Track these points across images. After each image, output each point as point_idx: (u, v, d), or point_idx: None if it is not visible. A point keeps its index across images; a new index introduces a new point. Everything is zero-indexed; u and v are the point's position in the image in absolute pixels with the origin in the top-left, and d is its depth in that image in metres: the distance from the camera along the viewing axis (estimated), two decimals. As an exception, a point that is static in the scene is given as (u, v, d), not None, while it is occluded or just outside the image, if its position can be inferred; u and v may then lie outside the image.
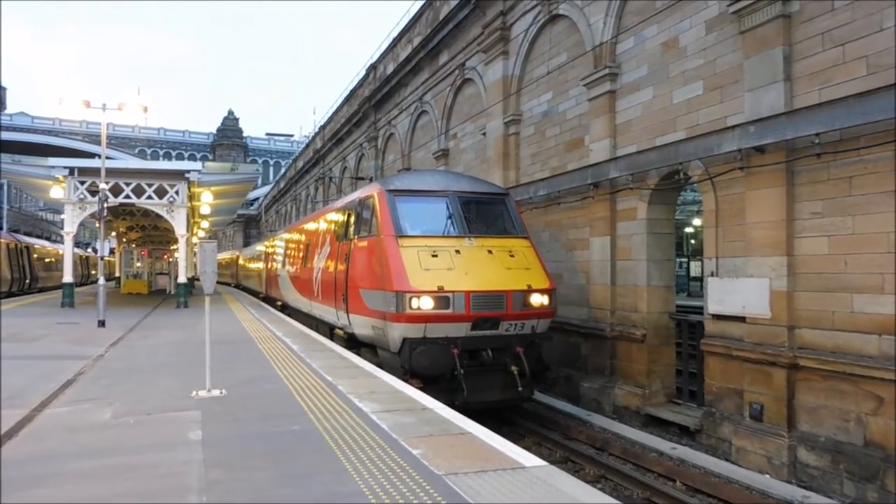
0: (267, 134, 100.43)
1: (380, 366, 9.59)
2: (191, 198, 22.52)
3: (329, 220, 14.16)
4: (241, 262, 43.07)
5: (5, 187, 54.51)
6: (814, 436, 7.82)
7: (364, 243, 10.80)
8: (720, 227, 9.30)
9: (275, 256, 24.16)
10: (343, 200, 13.87)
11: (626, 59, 11.36)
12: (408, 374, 9.07)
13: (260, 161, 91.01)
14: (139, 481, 4.39)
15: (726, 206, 9.18)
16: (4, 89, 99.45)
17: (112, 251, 42.97)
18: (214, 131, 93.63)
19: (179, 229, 21.25)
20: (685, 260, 34.62)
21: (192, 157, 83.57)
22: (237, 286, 43.52)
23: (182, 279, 22.28)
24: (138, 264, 38.42)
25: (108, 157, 18.89)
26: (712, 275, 9.36)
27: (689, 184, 11.29)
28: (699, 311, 10.49)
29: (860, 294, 7.31)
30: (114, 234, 35.53)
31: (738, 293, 8.81)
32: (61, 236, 27.15)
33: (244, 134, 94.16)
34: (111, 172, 19.34)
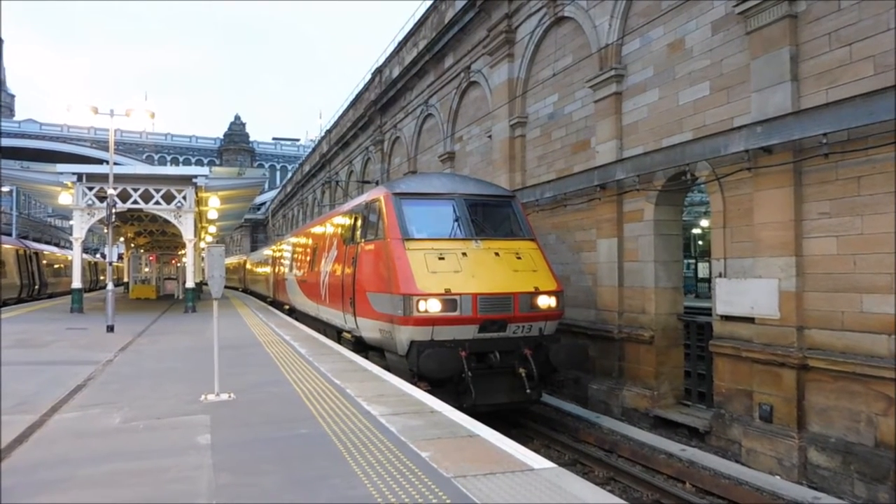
0: (273, 138, 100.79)
1: (388, 369, 9.60)
2: (198, 203, 22.59)
3: (336, 223, 14.18)
4: (248, 266, 43.17)
5: (14, 194, 54.86)
6: (824, 437, 7.77)
7: (371, 247, 10.81)
8: (728, 227, 9.27)
9: (282, 260, 24.22)
10: (349, 204, 13.90)
11: (632, 60, 11.35)
12: (416, 377, 9.08)
13: (267, 165, 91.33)
14: (148, 486, 4.40)
15: (734, 207, 9.15)
16: (13, 97, 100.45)
17: (120, 257, 43.16)
18: (221, 136, 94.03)
19: (187, 234, 21.33)
20: (693, 261, 34.49)
21: (199, 163, 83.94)
22: (245, 290, 43.63)
23: (190, 284, 22.35)
24: (146, 269, 38.56)
25: (115, 163, 19.01)
26: (720, 276, 9.32)
27: (696, 185, 11.27)
28: (707, 312, 10.44)
29: (870, 294, 7.27)
30: (122, 239, 35.69)
31: (747, 294, 8.77)
32: (70, 242, 27.31)
33: (251, 139, 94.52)
34: (119, 178, 19.44)
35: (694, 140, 9.62)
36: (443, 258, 9.65)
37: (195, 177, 20.95)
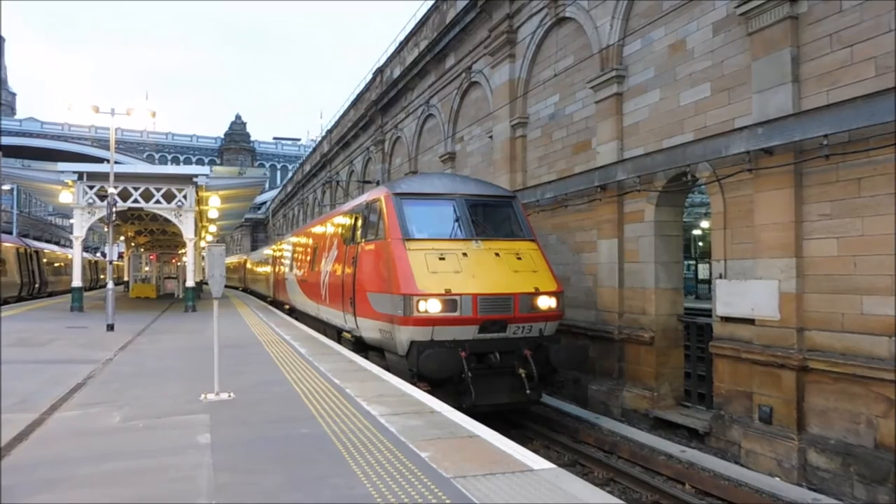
0: (274, 138, 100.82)
1: (388, 369, 9.60)
2: (199, 202, 22.59)
3: (336, 223, 14.18)
4: (248, 265, 43.19)
5: (15, 192, 54.89)
6: (824, 438, 7.77)
7: (371, 247, 10.82)
8: (728, 228, 9.27)
9: (282, 260, 24.23)
10: (350, 204, 13.90)
11: (633, 61, 11.35)
12: (416, 378, 9.07)
13: (267, 165, 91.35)
14: (148, 485, 4.40)
15: (734, 208, 9.15)
16: (14, 95, 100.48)
17: (121, 255, 43.17)
18: (222, 136, 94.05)
19: (187, 233, 21.33)
20: (693, 262, 34.47)
21: (199, 162, 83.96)
22: (245, 290, 43.65)
23: (190, 283, 22.35)
24: (147, 268, 38.62)
25: (116, 162, 19.02)
26: (721, 277, 9.32)
27: (696, 186, 11.26)
28: (707, 313, 10.44)
29: (870, 296, 7.26)
30: (122, 238, 35.68)
31: (747, 295, 8.77)
32: (70, 241, 27.32)
33: (252, 138, 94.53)
34: (120, 177, 19.45)
35: (695, 141, 9.62)
36: (443, 258, 9.65)
37: (196, 176, 20.93)
